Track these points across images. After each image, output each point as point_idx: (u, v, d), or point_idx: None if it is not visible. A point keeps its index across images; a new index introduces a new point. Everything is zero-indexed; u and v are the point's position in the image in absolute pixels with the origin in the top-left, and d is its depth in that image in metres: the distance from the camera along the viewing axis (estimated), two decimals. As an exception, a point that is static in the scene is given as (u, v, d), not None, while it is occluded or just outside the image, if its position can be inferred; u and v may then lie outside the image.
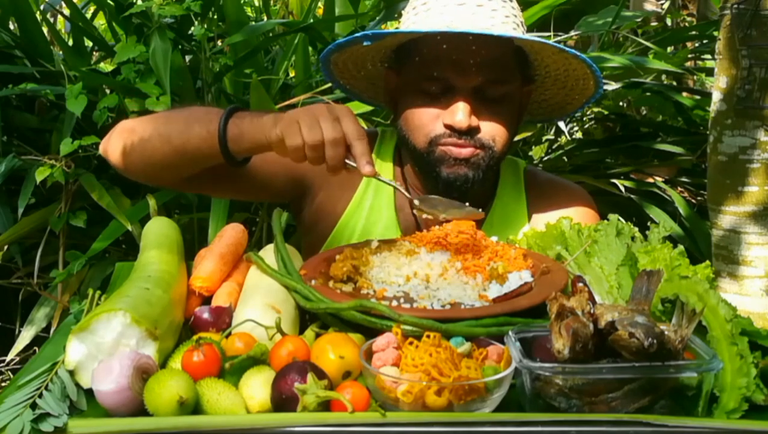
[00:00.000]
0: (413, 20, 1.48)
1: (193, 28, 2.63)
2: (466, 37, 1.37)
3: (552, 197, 1.63)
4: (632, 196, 2.70)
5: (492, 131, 1.45)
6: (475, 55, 1.40)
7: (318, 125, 1.19)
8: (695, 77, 3.45)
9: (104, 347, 0.97)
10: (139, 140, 1.44)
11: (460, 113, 1.41)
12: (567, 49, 1.42)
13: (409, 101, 1.49)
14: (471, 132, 1.44)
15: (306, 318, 1.16)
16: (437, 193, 1.53)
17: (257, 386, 0.94)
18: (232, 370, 0.98)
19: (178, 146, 1.39)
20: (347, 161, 1.22)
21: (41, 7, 3.11)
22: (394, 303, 1.11)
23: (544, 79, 1.56)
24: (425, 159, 1.48)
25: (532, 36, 1.44)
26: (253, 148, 1.33)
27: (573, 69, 1.49)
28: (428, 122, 1.45)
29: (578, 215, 1.48)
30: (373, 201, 1.58)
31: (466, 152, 1.44)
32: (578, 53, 1.42)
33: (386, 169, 1.61)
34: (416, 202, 1.28)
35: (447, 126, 1.44)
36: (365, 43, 1.45)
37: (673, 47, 3.70)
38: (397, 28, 1.59)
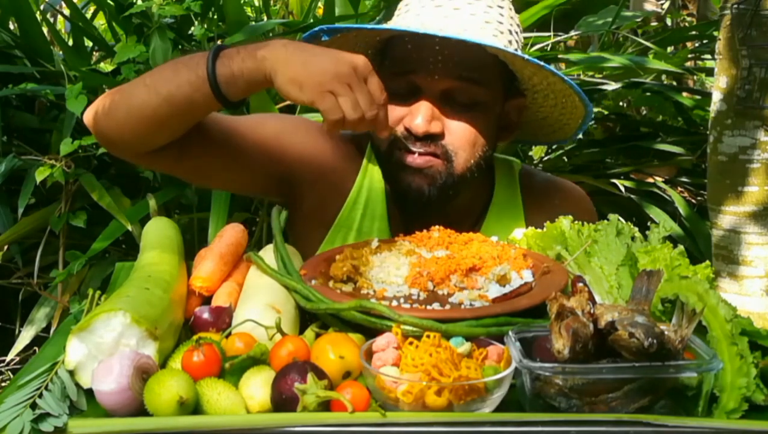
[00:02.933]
0: (395, 21, 1.47)
1: (193, 28, 2.63)
2: (432, 37, 1.33)
3: (548, 197, 1.60)
4: (632, 196, 2.70)
5: (456, 141, 1.40)
6: (437, 55, 1.36)
7: (356, 100, 1.18)
8: (695, 77, 3.46)
9: (104, 347, 0.97)
10: (124, 96, 1.33)
11: (419, 117, 1.37)
12: (534, 60, 1.35)
13: None
14: (431, 138, 1.39)
15: (306, 318, 1.16)
16: (397, 202, 1.51)
17: (257, 386, 0.94)
18: (232, 370, 0.98)
19: (167, 95, 1.27)
20: None
21: (41, 7, 3.11)
22: (394, 303, 1.11)
23: (534, 95, 1.51)
24: (387, 163, 1.45)
25: (484, 41, 1.34)
26: (250, 89, 1.27)
27: (553, 82, 1.44)
28: (392, 124, 1.40)
29: (575, 215, 1.47)
30: (365, 210, 1.54)
31: (420, 160, 1.40)
32: (547, 65, 1.36)
33: (377, 176, 1.55)
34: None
35: (407, 129, 1.39)
36: (324, 38, 1.43)
37: (673, 47, 3.70)
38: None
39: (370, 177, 1.55)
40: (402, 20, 1.44)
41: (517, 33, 1.46)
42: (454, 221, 1.46)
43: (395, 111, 1.40)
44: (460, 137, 1.40)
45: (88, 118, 1.42)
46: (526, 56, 1.36)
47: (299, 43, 1.24)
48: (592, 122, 3.15)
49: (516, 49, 1.43)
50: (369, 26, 1.43)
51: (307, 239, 1.55)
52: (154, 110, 1.29)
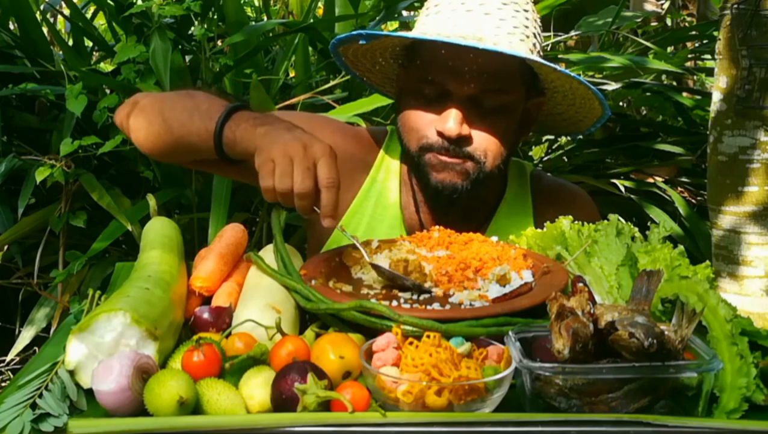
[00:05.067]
0: (423, 21, 1.49)
1: (193, 28, 2.63)
2: (467, 46, 1.36)
3: (557, 200, 1.63)
4: (632, 196, 2.70)
5: (484, 144, 1.45)
6: (472, 63, 1.40)
7: (290, 173, 1.18)
8: (695, 77, 3.45)
9: (104, 347, 0.97)
10: (145, 122, 1.45)
11: (451, 121, 1.41)
12: (564, 70, 1.40)
13: (408, 102, 1.50)
14: (461, 141, 1.43)
15: (306, 318, 1.16)
16: (427, 199, 1.55)
17: (257, 386, 0.94)
18: (232, 370, 0.98)
19: (178, 137, 1.40)
20: (315, 208, 1.20)
21: (41, 7, 3.11)
22: (394, 303, 1.11)
23: (553, 93, 1.55)
24: (416, 163, 1.49)
25: (525, 54, 1.41)
26: (245, 155, 1.31)
27: (576, 87, 1.48)
28: (422, 126, 1.46)
29: (581, 217, 1.48)
30: (377, 199, 1.59)
31: (454, 159, 1.45)
32: (574, 74, 1.40)
33: (393, 168, 1.61)
34: (367, 258, 1.25)
35: (439, 133, 1.44)
36: (361, 42, 1.47)
37: (673, 47, 3.70)
38: (408, 27, 1.60)
39: (386, 168, 1.61)
40: (434, 22, 1.46)
41: (539, 35, 1.50)
42: (467, 213, 1.54)
43: (425, 115, 1.46)
44: (487, 141, 1.45)
45: (117, 122, 1.56)
46: (559, 67, 1.41)
47: (294, 120, 1.29)
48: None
49: (539, 51, 1.48)
50: (411, 35, 1.46)
51: (321, 228, 1.57)
52: (167, 144, 1.44)
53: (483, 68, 1.40)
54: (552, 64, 1.41)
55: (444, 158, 1.45)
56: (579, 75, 1.42)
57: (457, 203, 1.49)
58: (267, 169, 1.20)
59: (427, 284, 1.19)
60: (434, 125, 1.44)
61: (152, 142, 1.46)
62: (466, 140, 1.44)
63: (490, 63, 1.40)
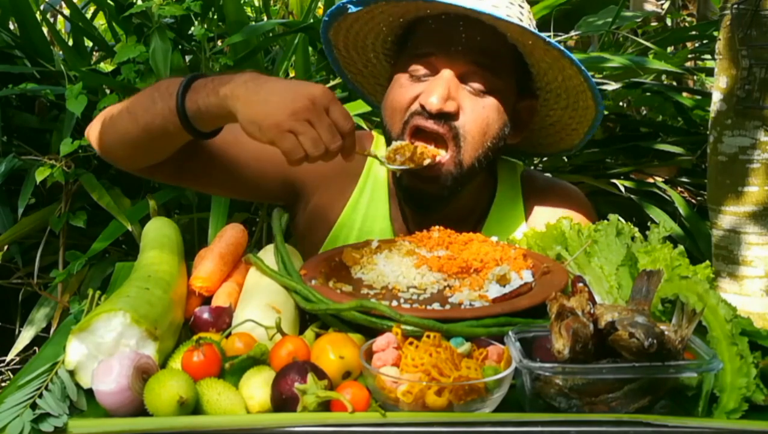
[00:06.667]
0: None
1: (193, 28, 2.63)
2: (457, 20, 1.37)
3: (549, 199, 1.60)
4: (632, 196, 2.70)
5: (469, 124, 1.41)
6: (462, 38, 1.39)
7: (318, 136, 1.15)
8: (695, 77, 3.45)
9: (104, 347, 0.97)
10: (111, 119, 1.40)
11: (434, 96, 1.38)
12: (553, 42, 1.38)
13: (395, 83, 1.47)
14: (444, 116, 1.40)
15: (306, 318, 1.16)
16: (404, 199, 1.52)
17: (257, 386, 0.94)
18: (232, 370, 0.98)
19: (144, 125, 1.33)
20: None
21: (41, 7, 3.11)
22: (394, 303, 1.11)
23: (546, 94, 1.53)
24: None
25: (515, 20, 1.39)
26: (217, 123, 1.29)
27: (569, 77, 1.46)
28: (406, 103, 1.43)
29: (575, 217, 1.47)
30: (366, 210, 1.56)
31: (434, 127, 1.40)
32: (564, 50, 1.39)
33: (381, 178, 1.58)
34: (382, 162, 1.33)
35: (422, 105, 1.40)
36: (351, 10, 1.42)
37: (673, 47, 3.70)
38: None
39: (374, 178, 1.58)
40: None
41: (530, 27, 1.47)
42: (457, 220, 1.48)
43: (412, 89, 1.43)
44: (474, 121, 1.41)
45: (89, 137, 1.49)
46: (549, 39, 1.38)
47: (261, 78, 1.22)
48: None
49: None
50: None
51: (310, 240, 1.57)
52: (136, 137, 1.36)
53: (473, 44, 1.40)
54: (541, 34, 1.39)
55: (423, 124, 1.40)
56: (567, 51, 1.40)
57: (432, 208, 1.47)
58: (289, 143, 1.16)
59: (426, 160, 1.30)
60: (419, 99, 1.41)
61: (120, 139, 1.39)
62: (450, 117, 1.40)
63: (481, 41, 1.40)
